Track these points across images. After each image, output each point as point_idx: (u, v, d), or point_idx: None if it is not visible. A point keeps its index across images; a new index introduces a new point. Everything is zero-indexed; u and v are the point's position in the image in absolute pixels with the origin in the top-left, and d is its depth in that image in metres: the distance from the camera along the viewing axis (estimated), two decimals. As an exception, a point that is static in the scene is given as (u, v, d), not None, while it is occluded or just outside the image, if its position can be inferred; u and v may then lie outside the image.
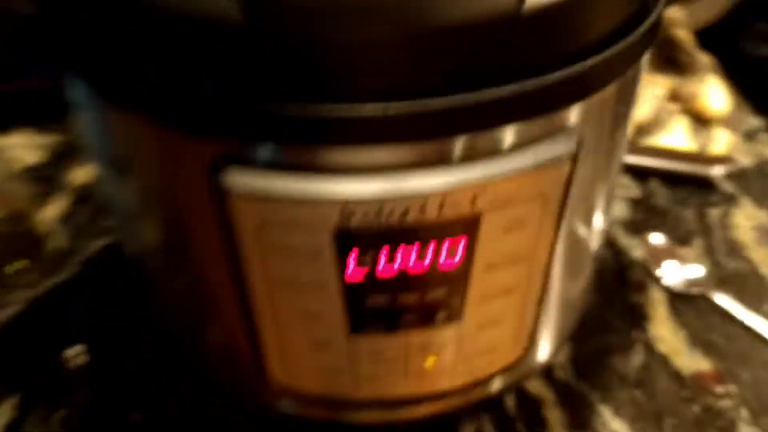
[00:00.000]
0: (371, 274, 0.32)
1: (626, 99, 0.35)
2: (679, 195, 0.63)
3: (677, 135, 0.65)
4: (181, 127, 0.29)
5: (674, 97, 0.68)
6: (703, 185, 0.63)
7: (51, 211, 0.62)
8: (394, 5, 0.26)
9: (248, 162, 0.29)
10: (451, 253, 0.32)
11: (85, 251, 0.59)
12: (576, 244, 0.37)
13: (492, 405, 0.48)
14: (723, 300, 0.53)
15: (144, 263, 0.41)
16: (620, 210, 0.61)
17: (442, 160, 0.29)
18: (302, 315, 0.34)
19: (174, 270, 0.38)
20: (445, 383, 0.38)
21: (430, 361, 0.36)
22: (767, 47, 0.74)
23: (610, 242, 0.59)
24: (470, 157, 0.29)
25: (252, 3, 0.25)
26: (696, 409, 0.48)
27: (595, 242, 0.41)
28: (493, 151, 0.29)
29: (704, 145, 0.65)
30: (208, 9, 0.26)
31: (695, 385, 0.49)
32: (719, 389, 0.49)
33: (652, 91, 0.66)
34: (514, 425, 0.47)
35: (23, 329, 0.53)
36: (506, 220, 0.31)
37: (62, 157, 0.68)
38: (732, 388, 0.49)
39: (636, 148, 0.64)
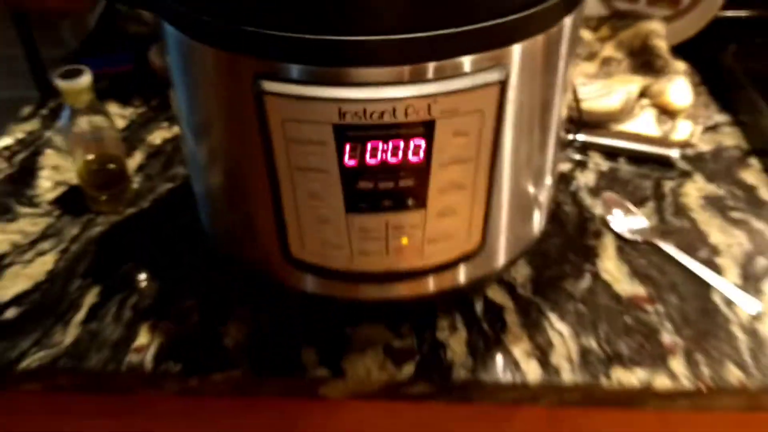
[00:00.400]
0: (360, 163, 0.46)
1: (554, 52, 0.48)
2: (642, 170, 0.75)
3: (645, 123, 0.78)
4: (238, 52, 0.44)
5: (646, 93, 0.81)
6: (664, 164, 0.75)
7: (131, 162, 0.78)
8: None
9: (277, 75, 0.43)
10: (416, 150, 0.45)
11: (155, 192, 0.75)
12: (517, 160, 0.51)
13: (463, 307, 0.61)
14: (664, 246, 0.65)
15: (203, 169, 0.56)
16: (589, 178, 0.74)
17: (408, 79, 0.43)
18: (313, 196, 0.48)
19: (224, 165, 0.52)
20: (417, 262, 0.51)
21: (404, 241, 0.50)
22: (735, 62, 0.86)
23: (576, 201, 0.71)
24: (426, 78, 0.43)
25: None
26: (627, 320, 0.60)
27: (539, 168, 0.54)
28: (443, 75, 0.43)
29: (667, 132, 0.77)
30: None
31: (629, 303, 0.61)
32: (648, 307, 0.60)
33: (626, 87, 0.79)
34: (480, 323, 0.60)
35: (108, 245, 0.68)
36: (454, 127, 0.45)
37: (139, 125, 0.85)
38: (660, 307, 0.60)
39: (607, 132, 0.77)
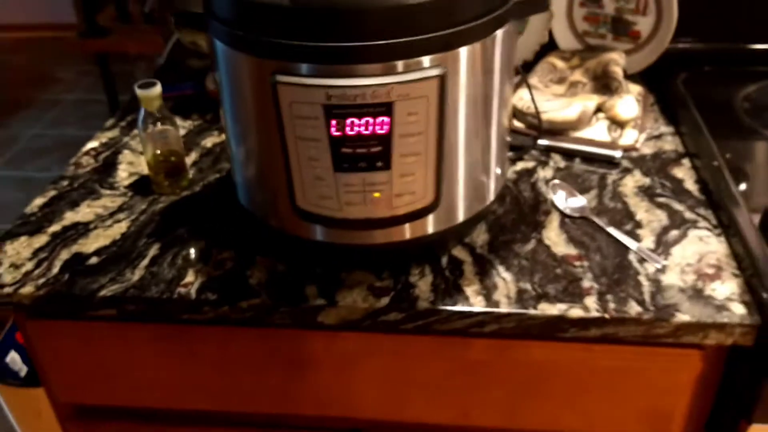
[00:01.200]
0: (343, 133, 0.65)
1: (489, 56, 0.67)
2: (591, 168, 0.93)
3: (598, 131, 0.96)
4: (262, 57, 0.65)
5: (602, 108, 0.99)
6: (611, 163, 0.93)
7: (188, 159, 0.99)
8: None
9: (287, 71, 0.64)
10: (382, 124, 0.65)
11: (205, 181, 0.96)
12: (461, 136, 0.69)
13: (432, 260, 0.79)
14: (597, 220, 0.82)
15: (240, 150, 0.76)
16: (548, 173, 0.92)
17: (374, 73, 0.63)
18: (311, 159, 0.67)
19: (253, 141, 0.73)
20: (388, 211, 0.70)
21: (376, 194, 0.69)
22: (685, 86, 1.04)
23: (534, 189, 0.89)
24: (388, 72, 0.63)
25: (290, -3, 0.61)
26: (558, 271, 0.77)
27: (483, 145, 0.73)
28: (400, 70, 0.63)
29: (616, 138, 0.95)
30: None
31: (562, 260, 0.78)
32: (576, 263, 0.77)
33: (584, 102, 0.97)
34: (443, 271, 0.77)
35: (168, 216, 0.89)
36: (408, 108, 0.64)
37: (195, 133, 1.07)
38: (585, 263, 0.77)
39: (566, 138, 0.95)
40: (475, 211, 0.77)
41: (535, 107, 0.92)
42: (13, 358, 1.18)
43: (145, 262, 0.81)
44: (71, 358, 0.87)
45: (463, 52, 0.65)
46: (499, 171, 0.78)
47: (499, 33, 0.68)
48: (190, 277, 0.79)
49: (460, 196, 0.74)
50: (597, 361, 0.77)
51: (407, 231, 0.73)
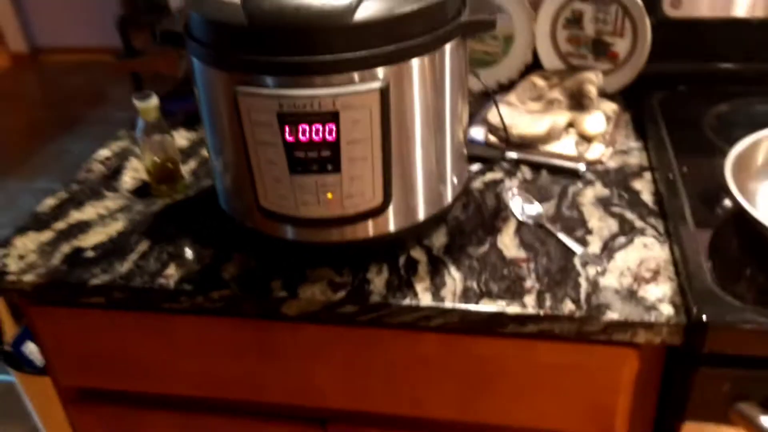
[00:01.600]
0: (296, 139, 0.73)
1: (434, 72, 0.74)
2: (556, 179, 0.98)
3: (567, 145, 1.01)
4: (226, 70, 0.73)
5: (571, 124, 1.04)
6: (575, 176, 0.98)
7: (188, 167, 1.08)
8: (306, 19, 0.68)
9: (245, 82, 0.72)
10: (329, 131, 0.72)
11: (199, 186, 1.04)
12: (408, 145, 0.76)
13: (390, 260, 0.85)
14: (549, 226, 0.87)
15: (214, 157, 0.84)
16: (514, 183, 0.97)
17: (320, 84, 0.70)
18: (269, 162, 0.75)
19: (222, 147, 0.81)
20: (340, 211, 0.77)
21: (329, 195, 0.76)
22: (659, 105, 1.08)
23: (497, 198, 0.95)
24: (333, 83, 0.70)
25: (251, 18, 0.69)
26: (505, 272, 0.82)
27: (438, 152, 0.79)
28: (344, 82, 0.70)
29: (582, 152, 1.00)
30: (234, 19, 0.70)
31: (510, 263, 0.83)
32: (523, 265, 0.82)
33: (554, 118, 1.02)
34: (399, 270, 0.84)
35: (161, 217, 0.98)
36: (352, 117, 0.71)
37: (197, 143, 1.16)
38: (531, 265, 0.82)
39: (534, 151, 1.00)
40: (429, 215, 0.83)
41: (502, 121, 0.98)
42: (30, 348, 1.29)
43: (134, 256, 0.90)
44: (70, 343, 0.96)
45: (412, 66, 0.72)
46: (454, 178, 0.84)
47: (447, 49, 0.75)
48: (171, 270, 0.87)
49: (413, 199, 0.80)
50: (540, 357, 0.82)
51: (369, 229, 0.80)
